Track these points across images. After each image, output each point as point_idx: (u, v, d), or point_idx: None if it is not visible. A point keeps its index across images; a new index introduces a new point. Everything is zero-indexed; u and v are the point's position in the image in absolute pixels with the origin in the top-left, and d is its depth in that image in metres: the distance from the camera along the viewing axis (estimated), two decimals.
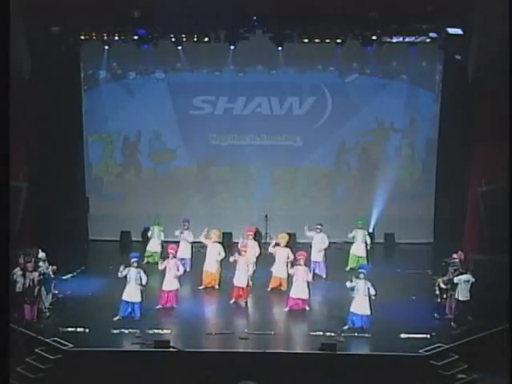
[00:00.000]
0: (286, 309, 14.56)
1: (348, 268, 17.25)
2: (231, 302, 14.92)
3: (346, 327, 13.40)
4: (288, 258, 15.37)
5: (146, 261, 17.30)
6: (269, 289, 15.74)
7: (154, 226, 17.93)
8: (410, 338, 12.99)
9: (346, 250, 17.80)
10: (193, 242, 17.23)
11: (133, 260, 13.85)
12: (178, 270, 14.53)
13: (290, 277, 15.11)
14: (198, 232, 16.59)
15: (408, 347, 12.58)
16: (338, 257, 17.72)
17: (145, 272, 13.97)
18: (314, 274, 15.60)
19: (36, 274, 13.71)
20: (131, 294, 13.72)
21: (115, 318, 13.65)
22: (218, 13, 16.47)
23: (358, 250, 17.36)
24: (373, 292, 13.32)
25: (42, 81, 17.66)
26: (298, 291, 14.48)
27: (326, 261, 16.89)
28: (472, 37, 16.54)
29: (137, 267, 13.79)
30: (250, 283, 15.12)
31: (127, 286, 13.72)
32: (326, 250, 16.90)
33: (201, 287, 15.92)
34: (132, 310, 13.79)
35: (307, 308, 14.61)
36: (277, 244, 15.95)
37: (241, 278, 14.79)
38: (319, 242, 16.83)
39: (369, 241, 17.46)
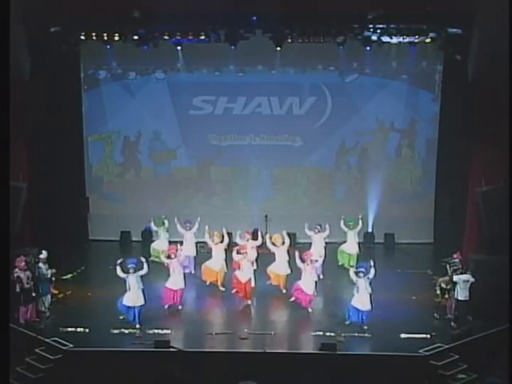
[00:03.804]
0: (292, 299, 14.61)
1: (340, 263, 17.36)
2: (233, 291, 15.06)
3: (347, 322, 13.47)
4: (288, 257, 15.50)
5: (151, 260, 17.16)
6: (268, 282, 15.69)
7: (159, 227, 17.93)
8: (410, 338, 13.02)
9: None
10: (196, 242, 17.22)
11: (130, 266, 13.70)
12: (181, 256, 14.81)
13: (294, 273, 15.22)
14: (198, 232, 16.64)
15: (408, 347, 12.60)
16: (336, 257, 17.68)
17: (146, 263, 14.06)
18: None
19: (35, 273, 13.72)
20: (134, 299, 13.56)
21: (121, 317, 13.60)
22: (217, 13, 16.46)
23: (349, 248, 17.36)
24: (369, 290, 13.43)
25: (42, 81, 17.63)
26: (307, 286, 14.48)
27: (324, 262, 16.86)
28: (472, 37, 16.53)
29: (134, 273, 13.63)
30: (253, 283, 15.07)
31: (128, 293, 13.55)
32: (325, 248, 16.86)
33: (207, 283, 15.95)
34: (135, 314, 13.62)
35: (310, 309, 14.61)
36: (273, 244, 16.02)
37: (245, 275, 14.81)
38: (318, 242, 16.78)
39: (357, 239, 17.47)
